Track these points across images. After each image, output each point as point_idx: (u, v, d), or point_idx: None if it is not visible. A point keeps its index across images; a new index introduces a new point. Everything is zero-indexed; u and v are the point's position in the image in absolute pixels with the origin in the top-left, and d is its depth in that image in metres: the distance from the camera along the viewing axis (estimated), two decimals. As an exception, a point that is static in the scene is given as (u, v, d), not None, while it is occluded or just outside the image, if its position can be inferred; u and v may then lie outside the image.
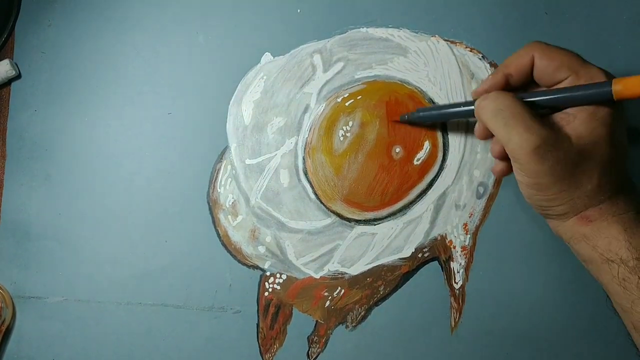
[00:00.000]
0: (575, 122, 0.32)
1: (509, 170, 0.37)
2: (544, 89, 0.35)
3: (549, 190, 0.33)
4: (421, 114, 0.41)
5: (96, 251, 0.44)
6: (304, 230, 0.43)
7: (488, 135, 0.36)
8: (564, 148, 0.32)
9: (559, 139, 0.32)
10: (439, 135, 0.43)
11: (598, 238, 0.33)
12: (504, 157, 0.36)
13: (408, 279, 0.43)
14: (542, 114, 0.34)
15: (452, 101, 0.43)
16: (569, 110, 0.33)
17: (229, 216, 0.44)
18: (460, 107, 0.38)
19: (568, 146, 0.32)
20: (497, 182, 0.43)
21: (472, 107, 0.36)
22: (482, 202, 0.42)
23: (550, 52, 0.34)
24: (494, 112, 0.33)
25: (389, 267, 0.43)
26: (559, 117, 0.33)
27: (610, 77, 0.32)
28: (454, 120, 0.42)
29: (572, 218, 0.34)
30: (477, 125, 0.37)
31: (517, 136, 0.32)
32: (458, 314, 0.42)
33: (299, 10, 0.45)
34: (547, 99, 0.33)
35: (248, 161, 0.44)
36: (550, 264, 0.42)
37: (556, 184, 0.32)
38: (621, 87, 0.31)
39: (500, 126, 0.33)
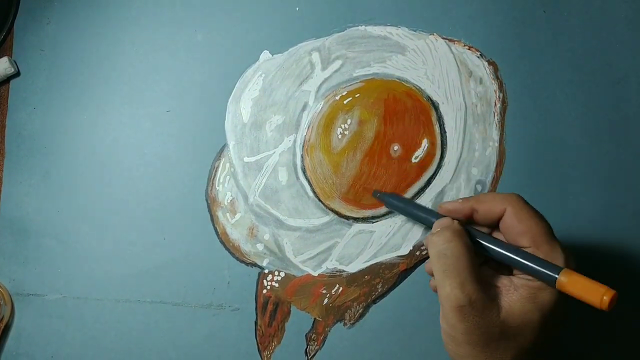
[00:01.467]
0: (514, 295, 0.31)
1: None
2: (501, 240, 0.34)
3: (460, 347, 0.32)
4: (391, 200, 0.41)
5: (95, 248, 0.44)
6: (302, 228, 0.43)
7: None
8: (488, 318, 0.31)
9: (488, 307, 0.31)
10: (437, 133, 0.43)
11: None
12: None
13: (406, 277, 0.43)
14: (495, 263, 0.33)
15: (449, 98, 0.43)
16: (515, 279, 0.32)
17: (228, 214, 0.44)
18: (424, 213, 0.38)
19: (494, 318, 0.31)
20: (495, 181, 0.43)
21: (433, 219, 0.36)
22: (480, 200, 0.43)
23: (521, 215, 0.32)
24: (438, 253, 0.33)
25: (387, 264, 0.43)
26: (502, 282, 0.32)
27: (569, 263, 0.31)
28: (451, 118, 0.42)
29: None
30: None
31: (448, 288, 0.31)
32: (456, 311, 0.42)
33: (297, 8, 0.45)
34: (495, 251, 0.33)
35: (246, 159, 0.44)
36: (547, 261, 0.42)
37: (468, 345, 0.32)
38: (566, 281, 0.29)
39: (439, 270, 0.32)
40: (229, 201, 0.44)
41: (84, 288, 0.44)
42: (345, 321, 0.43)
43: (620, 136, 0.43)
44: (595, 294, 0.28)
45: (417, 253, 0.43)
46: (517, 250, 0.32)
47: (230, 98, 0.45)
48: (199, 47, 0.45)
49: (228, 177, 0.44)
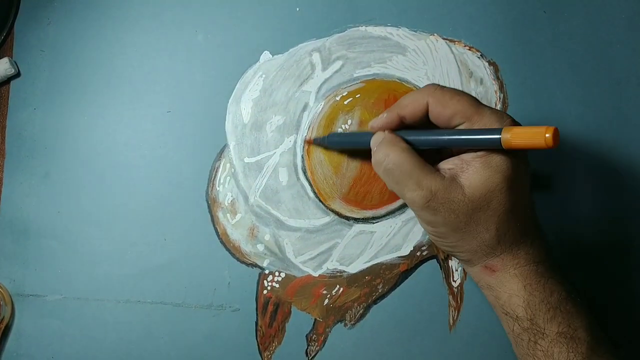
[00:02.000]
0: (469, 170, 0.32)
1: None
2: (439, 130, 0.34)
3: (448, 238, 0.33)
4: (330, 139, 0.42)
5: (95, 249, 0.44)
6: (303, 229, 0.43)
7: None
8: (456, 199, 0.31)
9: (451, 190, 0.32)
10: (438, 133, 0.43)
11: (500, 290, 0.33)
12: None
13: (407, 277, 0.43)
14: (439, 154, 0.34)
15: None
16: (464, 156, 0.33)
17: (228, 214, 0.44)
18: (360, 138, 0.39)
19: (460, 196, 0.31)
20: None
21: (369, 139, 0.37)
22: (480, 201, 0.43)
23: (443, 100, 0.33)
24: (385, 170, 0.34)
25: (388, 265, 0.43)
26: (454, 163, 0.33)
27: (505, 121, 0.32)
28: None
29: (477, 265, 0.34)
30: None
31: (408, 192, 0.32)
32: (456, 312, 0.42)
33: (297, 9, 0.45)
34: (440, 140, 0.33)
35: (247, 159, 0.44)
36: (548, 262, 0.42)
37: (453, 232, 0.32)
38: (510, 136, 0.30)
39: (393, 183, 0.34)
40: (229, 202, 0.44)
41: (85, 289, 0.44)
42: (346, 322, 0.43)
43: (620, 136, 0.43)
44: (538, 136, 0.29)
45: (418, 254, 0.43)
46: (451, 131, 0.33)
47: (231, 98, 0.45)
48: (200, 48, 0.45)
49: (228, 177, 0.44)
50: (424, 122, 0.35)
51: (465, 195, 0.32)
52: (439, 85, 0.34)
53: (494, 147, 0.31)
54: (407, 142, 0.34)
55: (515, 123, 0.32)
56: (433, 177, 0.32)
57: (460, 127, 0.33)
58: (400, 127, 0.36)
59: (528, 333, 0.32)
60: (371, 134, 0.37)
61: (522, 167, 0.32)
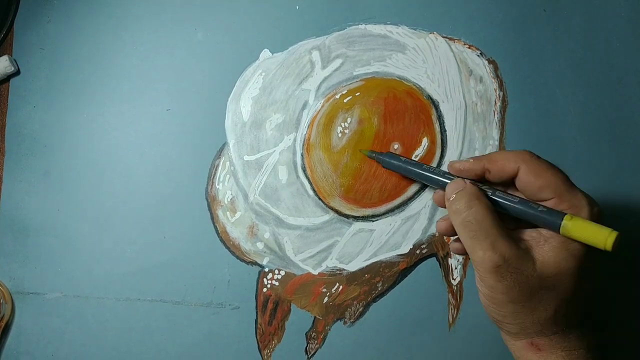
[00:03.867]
0: (545, 246, 0.31)
1: (462, 251, 0.36)
2: (508, 194, 0.33)
3: (503, 307, 0.32)
4: (388, 160, 0.40)
5: (95, 247, 0.44)
6: (303, 227, 0.43)
7: (443, 205, 0.36)
8: (525, 272, 0.31)
9: (523, 262, 0.31)
10: (437, 132, 0.43)
11: None
12: (448, 234, 0.36)
13: (406, 275, 0.43)
14: (515, 221, 0.33)
15: (449, 96, 0.43)
16: (543, 231, 0.32)
17: (228, 212, 0.44)
18: (433, 175, 0.37)
19: (530, 271, 0.31)
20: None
21: (446, 181, 0.35)
22: (480, 199, 0.43)
23: (538, 170, 0.32)
24: (463, 221, 0.32)
25: (387, 263, 0.43)
26: (531, 235, 0.32)
27: (594, 208, 0.31)
28: (451, 116, 0.42)
29: (523, 340, 0.33)
30: (436, 194, 0.37)
31: (481, 252, 0.31)
32: (456, 310, 0.42)
33: (297, 7, 0.45)
34: (516, 208, 0.32)
35: (246, 157, 0.44)
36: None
37: (511, 304, 0.32)
38: (570, 227, 0.30)
39: (467, 238, 0.32)
40: (229, 200, 0.44)
41: (84, 287, 0.44)
42: (346, 320, 0.43)
43: (620, 136, 0.43)
44: (599, 236, 0.29)
45: (417, 252, 0.43)
46: (519, 200, 0.32)
47: (230, 97, 0.45)
48: (199, 46, 0.45)
49: (228, 175, 0.44)
50: (507, 184, 0.34)
51: (536, 271, 0.31)
52: (534, 154, 0.33)
53: (553, 230, 0.31)
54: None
55: (601, 216, 0.31)
56: (509, 243, 0.31)
57: (548, 203, 0.32)
58: (478, 181, 0.35)
59: None
60: (443, 172, 0.36)
61: (597, 256, 0.31)
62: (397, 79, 0.43)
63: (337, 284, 0.43)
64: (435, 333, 0.42)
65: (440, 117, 0.43)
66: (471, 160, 0.35)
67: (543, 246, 0.31)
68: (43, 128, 0.46)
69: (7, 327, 0.44)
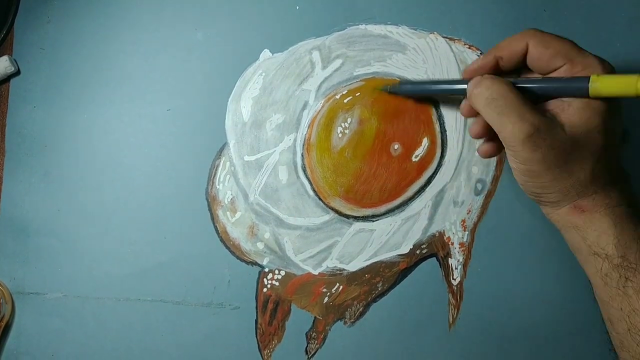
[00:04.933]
0: (570, 110, 0.32)
1: (493, 151, 0.37)
2: (535, 76, 0.35)
3: (541, 177, 0.33)
4: (407, 86, 0.41)
5: (95, 247, 0.44)
6: (303, 227, 0.43)
7: (473, 114, 0.36)
8: (557, 136, 0.32)
9: (552, 127, 0.32)
10: (438, 132, 0.43)
11: (588, 229, 0.33)
12: (483, 136, 0.37)
13: (406, 276, 0.43)
14: (535, 101, 0.34)
15: (449, 97, 0.43)
16: (564, 98, 0.33)
17: (228, 212, 0.44)
18: (450, 84, 0.38)
19: (561, 134, 0.32)
20: (495, 179, 0.43)
21: (463, 86, 0.36)
22: (480, 199, 0.43)
23: (545, 41, 0.33)
24: (487, 100, 0.33)
25: (387, 263, 0.43)
26: (554, 104, 0.33)
27: (606, 67, 0.32)
28: (451, 116, 0.42)
29: (565, 207, 0.34)
30: (463, 103, 0.37)
31: (510, 125, 0.32)
32: (456, 310, 0.42)
33: (297, 7, 0.45)
34: (537, 87, 0.33)
35: (247, 158, 0.44)
36: (547, 260, 0.42)
37: (549, 171, 0.32)
38: (598, 85, 0.31)
39: (494, 115, 0.33)
40: (229, 200, 0.44)
41: (85, 287, 0.44)
42: (346, 320, 0.43)
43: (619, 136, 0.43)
44: (629, 85, 0.30)
45: (417, 252, 0.43)
46: (543, 79, 0.33)
47: (231, 97, 0.45)
48: (199, 46, 0.45)
49: (228, 175, 0.44)
50: (520, 66, 0.35)
51: (566, 133, 0.32)
52: (538, 29, 0.34)
53: (583, 96, 0.32)
54: None
55: (614, 71, 0.32)
56: (536, 113, 0.32)
57: (560, 69, 0.33)
58: (496, 73, 0.35)
59: (618, 270, 0.32)
60: (460, 80, 0.37)
61: (618, 112, 0.33)
62: (397, 79, 0.43)
63: (338, 284, 0.43)
64: (435, 333, 0.42)
65: (440, 117, 0.43)
66: (481, 57, 0.36)
67: (567, 110, 0.32)
68: (43, 128, 0.46)
69: (7, 327, 0.44)
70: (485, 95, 0.33)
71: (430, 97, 0.43)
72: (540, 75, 0.35)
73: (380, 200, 0.43)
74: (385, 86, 0.42)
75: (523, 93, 0.33)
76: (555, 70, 0.33)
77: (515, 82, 0.34)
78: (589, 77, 0.31)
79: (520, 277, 0.42)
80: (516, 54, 0.34)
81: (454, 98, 0.43)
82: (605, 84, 0.31)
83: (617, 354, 0.34)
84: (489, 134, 0.36)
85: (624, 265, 0.32)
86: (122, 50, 0.46)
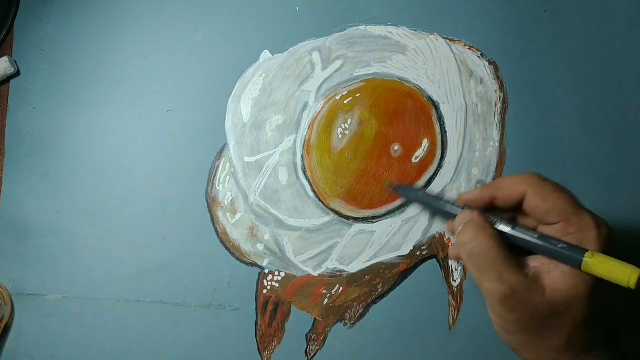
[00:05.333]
0: (555, 273, 0.31)
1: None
2: (526, 229, 0.33)
3: (516, 336, 0.32)
4: (407, 192, 0.41)
5: (95, 248, 0.44)
6: (303, 228, 0.43)
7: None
8: (535, 301, 0.30)
9: (532, 291, 0.31)
10: (438, 133, 0.43)
11: None
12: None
13: (406, 277, 0.43)
14: (522, 252, 0.33)
15: (450, 98, 0.43)
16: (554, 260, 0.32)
17: (228, 214, 0.44)
18: (443, 207, 0.37)
19: (540, 299, 0.30)
20: (496, 180, 0.43)
21: (454, 213, 0.35)
22: (480, 200, 0.43)
23: (544, 193, 0.32)
24: (469, 253, 0.32)
25: (388, 264, 0.43)
26: (541, 262, 0.32)
27: (602, 232, 0.31)
28: (452, 118, 0.42)
29: None
30: (448, 223, 0.36)
31: (488, 283, 0.31)
32: (456, 311, 0.42)
33: (297, 8, 0.45)
34: (527, 242, 0.32)
35: (247, 159, 0.44)
36: (548, 262, 0.42)
37: (523, 333, 0.31)
38: (592, 264, 0.29)
39: (474, 270, 0.32)
40: (229, 201, 0.44)
41: (84, 288, 0.44)
42: (346, 321, 0.43)
43: (620, 136, 0.43)
44: (622, 274, 0.28)
45: (418, 253, 0.43)
46: (539, 237, 0.32)
47: (231, 98, 0.45)
48: (200, 47, 0.45)
49: (228, 177, 0.44)
50: (515, 209, 0.34)
51: (545, 299, 0.30)
52: (541, 176, 0.33)
53: (574, 267, 0.30)
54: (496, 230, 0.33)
55: (610, 236, 0.31)
56: (516, 273, 0.31)
57: (555, 226, 0.32)
58: (489, 208, 0.35)
59: None
60: (455, 207, 0.36)
61: (610, 286, 0.31)
62: (397, 80, 0.43)
63: (338, 286, 0.43)
64: (435, 335, 0.42)
65: (440, 119, 0.43)
66: (478, 190, 0.35)
67: (553, 272, 0.31)
68: (43, 129, 0.46)
69: (6, 329, 0.44)
70: (468, 248, 0.32)
71: (430, 98, 0.43)
72: (535, 222, 0.33)
73: (380, 202, 0.43)
74: (390, 184, 0.42)
75: (510, 243, 0.32)
76: (549, 225, 0.32)
77: (505, 229, 0.33)
78: (584, 252, 0.30)
79: (521, 278, 0.42)
80: (513, 198, 0.33)
81: (454, 99, 0.43)
82: (599, 266, 0.29)
83: None
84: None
85: None
86: (122, 51, 0.46)
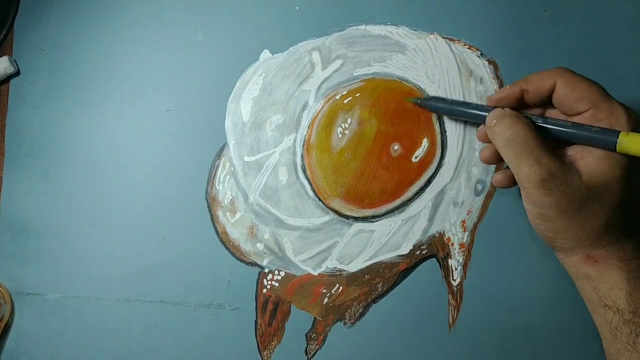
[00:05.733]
0: (590, 158, 0.32)
1: (507, 183, 0.37)
2: (558, 120, 0.34)
3: (554, 222, 0.33)
4: (434, 104, 0.41)
5: (95, 248, 0.44)
6: (303, 228, 0.43)
7: (488, 142, 0.36)
8: (573, 184, 0.31)
9: (569, 174, 0.32)
10: (438, 132, 0.43)
11: (600, 281, 0.33)
12: (494, 162, 0.37)
13: (406, 276, 0.43)
14: (557, 143, 0.34)
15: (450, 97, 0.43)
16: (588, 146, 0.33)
17: (228, 213, 0.44)
18: (473, 109, 0.38)
19: (577, 182, 0.31)
20: (495, 180, 0.43)
21: (485, 113, 0.36)
22: (480, 200, 0.43)
23: (573, 82, 0.33)
24: (506, 140, 0.33)
25: (387, 264, 0.43)
26: (575, 150, 0.33)
27: (632, 117, 0.32)
28: (452, 117, 0.42)
29: (578, 255, 0.34)
30: (480, 128, 0.37)
31: (526, 168, 0.32)
32: (456, 311, 0.42)
33: (297, 7, 0.45)
34: (560, 131, 0.33)
35: (247, 158, 0.44)
36: (547, 261, 0.42)
37: (561, 217, 0.32)
38: (627, 143, 0.30)
39: (511, 155, 0.33)
40: (229, 200, 0.44)
41: (84, 287, 0.44)
42: (346, 320, 0.43)
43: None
44: None
45: (417, 252, 0.43)
46: (571, 125, 0.33)
47: (230, 97, 0.45)
48: (199, 46, 0.45)
49: (228, 176, 0.44)
50: (545, 103, 0.35)
51: (582, 182, 0.32)
52: (568, 69, 0.34)
53: (609, 149, 0.31)
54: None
55: (638, 119, 0.32)
56: (553, 158, 0.32)
57: (585, 114, 0.33)
58: (520, 105, 0.36)
59: (629, 326, 0.32)
60: (485, 107, 0.37)
61: None
62: (397, 79, 0.43)
63: (337, 285, 0.43)
64: (435, 334, 0.42)
65: (440, 118, 0.43)
66: (507, 87, 0.36)
67: (587, 158, 0.32)
68: (43, 129, 0.46)
69: (6, 328, 0.44)
70: (506, 135, 0.33)
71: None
72: (564, 115, 0.34)
73: (380, 201, 0.43)
74: (416, 98, 0.42)
75: (544, 134, 0.33)
76: (579, 113, 0.33)
77: (538, 121, 0.34)
78: (617, 132, 0.31)
79: (520, 277, 0.42)
80: (543, 90, 0.34)
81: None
82: (634, 143, 0.30)
83: None
84: (502, 162, 0.36)
85: (636, 322, 0.31)
86: (122, 51, 0.46)
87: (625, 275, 0.32)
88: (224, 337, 0.43)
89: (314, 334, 0.43)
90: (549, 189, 0.32)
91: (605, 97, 0.32)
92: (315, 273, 0.43)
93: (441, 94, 0.43)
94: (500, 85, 0.43)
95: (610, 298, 0.32)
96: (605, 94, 0.33)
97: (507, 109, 0.35)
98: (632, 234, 0.33)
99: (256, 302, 0.43)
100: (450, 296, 0.42)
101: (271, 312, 0.43)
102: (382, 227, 0.43)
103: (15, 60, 0.46)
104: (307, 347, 0.43)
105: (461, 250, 0.42)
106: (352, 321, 0.43)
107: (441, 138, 0.43)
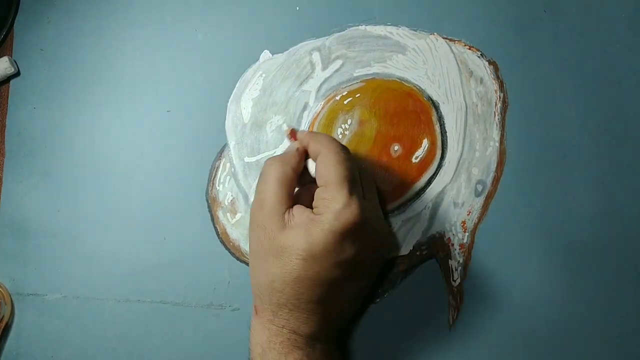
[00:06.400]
0: (298, 220, 0.35)
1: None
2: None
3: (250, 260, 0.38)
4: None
5: (95, 248, 0.44)
6: (303, 228, 0.43)
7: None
8: (274, 232, 0.36)
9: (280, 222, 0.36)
10: (438, 133, 0.43)
11: (252, 332, 0.37)
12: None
13: (406, 277, 0.43)
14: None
15: (450, 98, 0.43)
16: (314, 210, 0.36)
17: (228, 214, 0.44)
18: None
19: (278, 232, 0.36)
20: (496, 180, 0.43)
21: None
22: (480, 200, 0.43)
23: (327, 161, 0.36)
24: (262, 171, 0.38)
25: (387, 264, 0.43)
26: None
27: (341, 216, 0.34)
28: (451, 117, 0.43)
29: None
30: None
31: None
32: (456, 311, 0.42)
33: (297, 8, 0.45)
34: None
35: (247, 159, 0.44)
36: (548, 261, 0.42)
37: (254, 259, 0.38)
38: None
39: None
40: (229, 201, 0.44)
41: (84, 288, 0.44)
42: (346, 321, 0.43)
43: (620, 136, 0.43)
44: None
45: (417, 253, 0.43)
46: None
47: (231, 98, 0.45)
48: (200, 47, 0.45)
49: (228, 177, 0.44)
50: None
51: (281, 234, 0.35)
52: (336, 142, 0.37)
53: None
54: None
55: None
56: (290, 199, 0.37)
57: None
58: None
59: None
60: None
61: (339, 249, 0.34)
62: (397, 80, 0.43)
63: (338, 285, 0.43)
64: (435, 334, 0.42)
65: (440, 119, 0.43)
66: (305, 133, 0.39)
67: (297, 219, 0.35)
68: (43, 129, 0.46)
69: (6, 328, 0.44)
70: (264, 168, 0.38)
71: (430, 98, 0.43)
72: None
73: (380, 202, 0.43)
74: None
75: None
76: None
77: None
78: None
79: (521, 278, 0.42)
80: (314, 155, 0.38)
81: (454, 99, 0.43)
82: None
83: None
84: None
85: None
86: (122, 51, 0.46)
87: (266, 336, 0.35)
88: (224, 337, 0.43)
89: (314, 335, 0.43)
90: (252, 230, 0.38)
91: (339, 183, 0.34)
92: (316, 273, 0.43)
93: (441, 95, 0.43)
94: (501, 86, 0.43)
95: (253, 348, 0.36)
96: (344, 181, 0.34)
97: (296, 152, 0.38)
98: (292, 308, 0.35)
99: (256, 302, 0.43)
100: (450, 296, 0.42)
101: (271, 312, 0.43)
102: (382, 227, 0.43)
103: (15, 61, 0.46)
104: (307, 347, 0.43)
105: (461, 250, 0.42)
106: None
107: (441, 139, 0.43)
